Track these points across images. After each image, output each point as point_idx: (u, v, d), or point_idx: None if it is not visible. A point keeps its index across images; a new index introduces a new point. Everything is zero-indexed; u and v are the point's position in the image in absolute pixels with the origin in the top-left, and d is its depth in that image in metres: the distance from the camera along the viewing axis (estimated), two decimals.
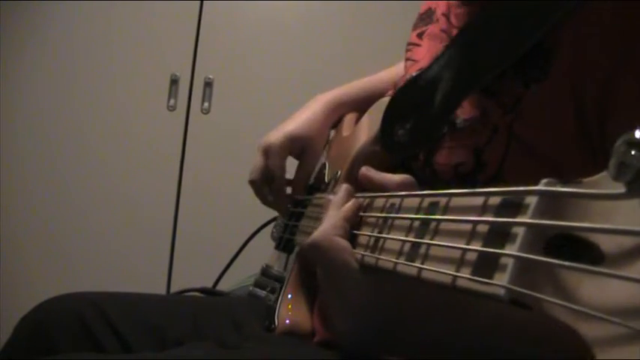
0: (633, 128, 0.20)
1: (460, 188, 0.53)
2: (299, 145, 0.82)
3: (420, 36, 0.70)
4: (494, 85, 0.51)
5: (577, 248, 0.21)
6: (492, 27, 0.52)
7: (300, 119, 0.83)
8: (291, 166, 0.86)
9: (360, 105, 0.86)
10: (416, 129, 0.56)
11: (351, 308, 0.45)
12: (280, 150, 0.80)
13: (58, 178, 1.96)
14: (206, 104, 2.02)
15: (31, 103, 1.98)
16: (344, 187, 0.51)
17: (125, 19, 2.02)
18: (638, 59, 0.42)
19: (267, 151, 0.81)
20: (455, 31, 0.62)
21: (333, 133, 0.88)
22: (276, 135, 0.81)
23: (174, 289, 1.85)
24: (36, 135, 1.97)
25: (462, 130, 0.53)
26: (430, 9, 0.71)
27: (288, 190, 0.86)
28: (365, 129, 0.71)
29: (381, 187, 0.48)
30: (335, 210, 0.49)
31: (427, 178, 0.56)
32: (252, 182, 0.82)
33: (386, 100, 0.68)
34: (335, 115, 0.86)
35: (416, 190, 0.44)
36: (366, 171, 0.51)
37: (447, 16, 0.65)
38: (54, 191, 1.95)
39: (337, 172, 0.75)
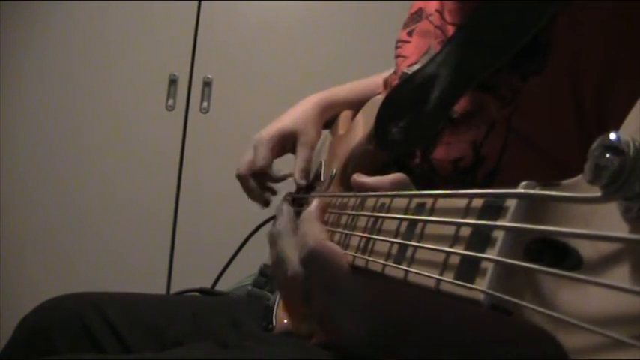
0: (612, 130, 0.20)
1: (459, 184, 0.52)
2: (291, 140, 0.83)
3: (409, 34, 0.70)
4: (492, 78, 0.50)
5: (556, 252, 0.21)
6: (489, 23, 0.52)
7: (292, 116, 0.85)
8: (289, 165, 0.86)
9: (351, 106, 0.86)
10: (410, 127, 0.56)
11: (347, 309, 0.45)
12: (269, 142, 0.82)
13: (57, 178, 1.97)
14: (205, 104, 2.03)
15: (30, 103, 1.98)
16: (314, 205, 0.52)
17: (123, 19, 2.02)
18: (637, 59, 0.42)
19: (256, 146, 0.82)
20: (449, 27, 0.62)
21: (328, 133, 0.89)
22: (268, 130, 0.83)
23: (174, 289, 1.85)
24: (36, 135, 1.98)
25: (460, 125, 0.53)
26: (421, 9, 0.71)
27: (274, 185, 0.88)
28: (359, 127, 0.71)
29: (375, 191, 0.48)
30: (311, 225, 0.50)
31: (425, 174, 0.55)
32: (238, 176, 0.83)
33: (380, 98, 0.68)
34: (325, 115, 0.87)
35: (410, 189, 0.44)
36: (358, 177, 0.50)
37: (440, 12, 0.65)
38: (54, 191, 1.96)
39: (333, 171, 0.75)
